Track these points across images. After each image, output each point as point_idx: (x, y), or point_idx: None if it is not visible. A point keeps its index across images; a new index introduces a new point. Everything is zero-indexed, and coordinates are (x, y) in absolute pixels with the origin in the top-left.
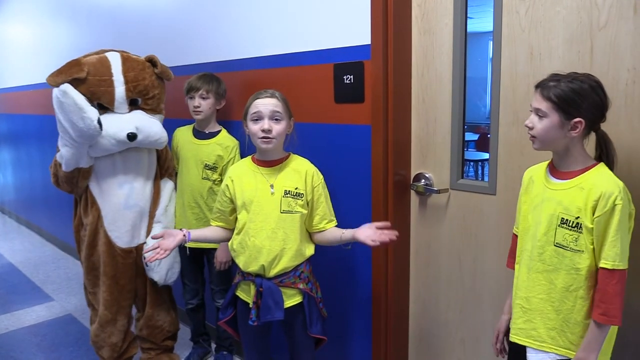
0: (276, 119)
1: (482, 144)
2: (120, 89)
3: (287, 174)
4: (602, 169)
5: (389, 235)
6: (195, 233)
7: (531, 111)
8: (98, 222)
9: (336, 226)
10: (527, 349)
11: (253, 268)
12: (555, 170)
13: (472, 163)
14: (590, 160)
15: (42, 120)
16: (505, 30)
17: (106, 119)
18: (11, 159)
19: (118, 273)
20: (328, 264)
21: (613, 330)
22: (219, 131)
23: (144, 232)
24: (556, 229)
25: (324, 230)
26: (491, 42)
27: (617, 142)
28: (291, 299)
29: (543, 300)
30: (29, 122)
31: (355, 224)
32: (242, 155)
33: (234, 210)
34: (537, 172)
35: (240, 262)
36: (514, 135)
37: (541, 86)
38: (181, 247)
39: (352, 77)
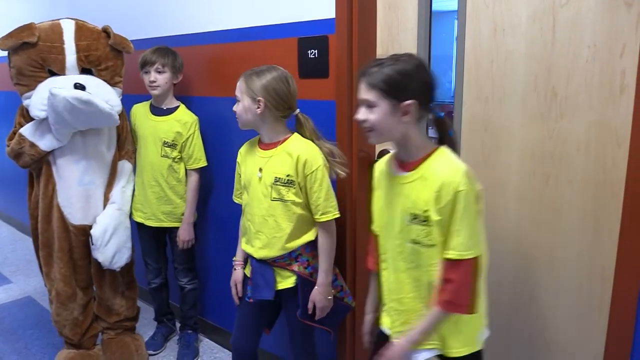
0: (238, 101)
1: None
2: (71, 57)
3: (280, 158)
4: (441, 154)
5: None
6: (240, 252)
7: (359, 104)
8: (53, 197)
9: (325, 223)
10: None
11: (248, 250)
12: (400, 161)
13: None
14: (431, 146)
15: None
16: (470, 5)
17: (54, 80)
18: None
19: (72, 248)
20: None
21: (476, 319)
22: (177, 107)
23: (98, 211)
24: (409, 225)
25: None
26: (456, 21)
27: (577, 117)
28: (285, 281)
29: (413, 298)
30: None
31: None
32: (202, 132)
33: None
34: (386, 164)
35: (242, 242)
36: (478, 111)
37: (365, 74)
38: (139, 229)
39: (316, 51)
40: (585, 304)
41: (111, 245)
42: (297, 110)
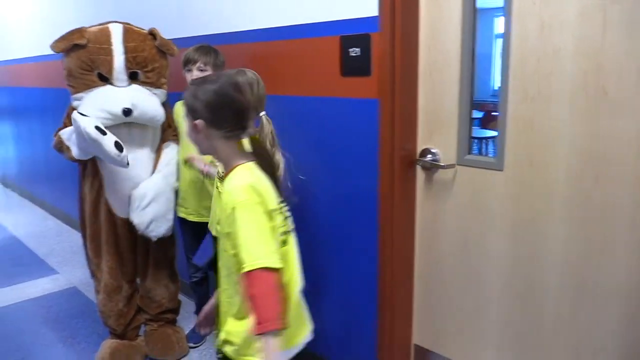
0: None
1: (487, 122)
2: (119, 59)
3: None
4: (240, 169)
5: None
6: None
7: None
8: (100, 192)
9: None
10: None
11: None
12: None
13: (476, 140)
14: (238, 161)
15: (43, 93)
16: (516, 2)
17: (104, 92)
18: (13, 133)
19: (119, 242)
20: (333, 236)
21: None
22: None
23: None
24: (221, 232)
25: None
26: (496, 19)
27: (628, 117)
28: None
29: (227, 303)
30: (31, 95)
31: (361, 201)
32: None
33: None
34: None
35: None
36: (524, 111)
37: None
38: (181, 224)
39: (359, 49)
40: (637, 307)
41: (149, 211)
42: (263, 113)
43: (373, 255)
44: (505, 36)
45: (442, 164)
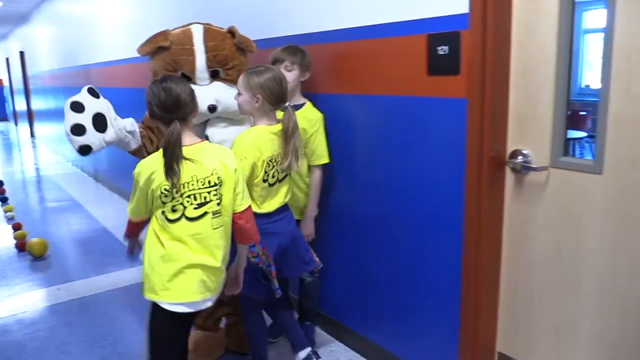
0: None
1: (575, 121)
2: (201, 58)
3: None
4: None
5: None
6: None
7: None
8: None
9: None
10: None
11: None
12: None
13: None
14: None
15: (131, 93)
16: None
17: None
18: None
19: None
20: (416, 237)
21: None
22: (304, 104)
23: None
24: None
25: None
26: (585, 13)
27: None
28: None
29: None
30: (120, 94)
31: (446, 202)
32: (327, 129)
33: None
34: None
35: None
36: (626, 110)
37: None
38: None
39: (447, 48)
40: None
41: None
42: (287, 104)
43: (457, 258)
44: (608, 30)
45: (534, 166)
